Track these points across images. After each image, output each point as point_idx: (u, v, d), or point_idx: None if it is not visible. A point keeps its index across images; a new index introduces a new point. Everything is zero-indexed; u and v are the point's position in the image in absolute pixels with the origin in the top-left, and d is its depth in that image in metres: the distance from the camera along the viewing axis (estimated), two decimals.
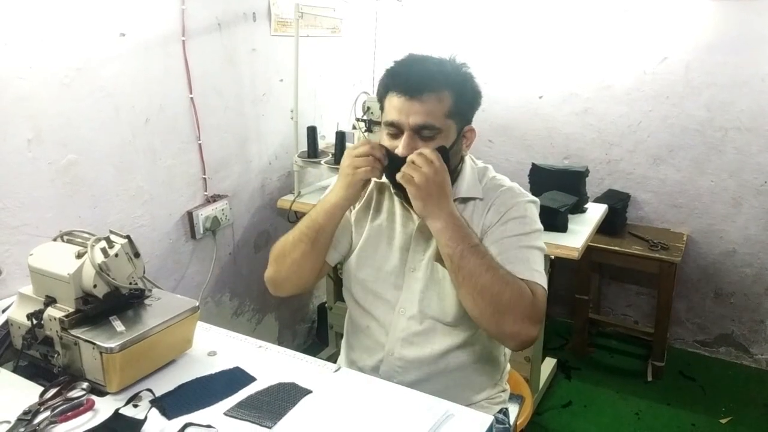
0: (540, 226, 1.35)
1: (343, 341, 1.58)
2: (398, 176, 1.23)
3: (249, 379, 1.24)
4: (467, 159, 1.40)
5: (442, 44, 3.20)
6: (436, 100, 1.24)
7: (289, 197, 2.46)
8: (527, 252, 1.28)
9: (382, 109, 1.33)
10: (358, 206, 1.46)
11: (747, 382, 2.85)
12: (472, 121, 1.35)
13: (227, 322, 2.39)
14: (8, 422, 1.07)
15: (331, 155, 2.42)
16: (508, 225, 1.30)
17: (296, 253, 1.36)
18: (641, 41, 2.81)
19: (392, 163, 1.28)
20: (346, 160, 1.30)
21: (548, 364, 2.79)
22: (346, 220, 1.43)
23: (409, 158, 1.22)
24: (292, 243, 1.37)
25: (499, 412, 1.46)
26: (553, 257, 2.02)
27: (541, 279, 1.26)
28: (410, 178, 1.20)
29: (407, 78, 1.26)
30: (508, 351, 1.54)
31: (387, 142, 1.30)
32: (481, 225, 1.33)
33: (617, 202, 2.86)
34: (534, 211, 1.35)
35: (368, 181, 1.32)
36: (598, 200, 2.78)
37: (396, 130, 1.28)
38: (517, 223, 1.30)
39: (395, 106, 1.26)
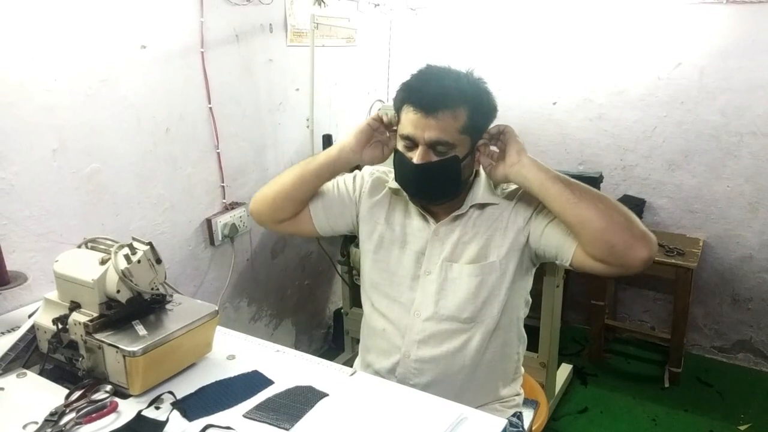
0: None
1: (360, 344, 1.60)
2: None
3: (267, 382, 1.27)
4: (482, 169, 1.42)
5: (456, 52, 3.22)
6: (451, 117, 1.27)
7: None
8: None
9: (398, 119, 1.36)
10: (372, 198, 1.49)
11: (766, 389, 2.81)
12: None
13: (245, 327, 2.42)
14: (36, 423, 1.10)
15: None
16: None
17: (287, 177, 1.49)
18: (655, 47, 2.81)
19: (407, 171, 1.31)
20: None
21: (564, 370, 2.78)
22: (348, 198, 1.51)
23: None
24: (287, 171, 1.50)
25: (513, 415, 1.48)
26: None
27: None
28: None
29: (423, 95, 1.28)
30: (521, 351, 1.55)
31: (403, 151, 1.34)
32: (509, 220, 1.38)
33: (632, 208, 2.80)
34: None
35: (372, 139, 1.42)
36: None
37: (411, 142, 1.31)
38: None
39: (411, 121, 1.29)
